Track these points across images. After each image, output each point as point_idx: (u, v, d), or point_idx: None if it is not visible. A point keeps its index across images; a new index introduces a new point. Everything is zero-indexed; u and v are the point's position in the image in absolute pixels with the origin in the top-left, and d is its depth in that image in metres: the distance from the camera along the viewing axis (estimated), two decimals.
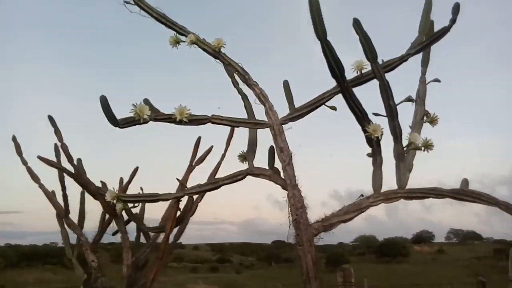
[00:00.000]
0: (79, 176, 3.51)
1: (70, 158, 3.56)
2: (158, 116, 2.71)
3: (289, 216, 2.89)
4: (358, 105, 2.36)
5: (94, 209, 3.88)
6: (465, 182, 2.75)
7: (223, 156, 3.83)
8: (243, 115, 3.23)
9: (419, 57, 3.14)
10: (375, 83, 2.75)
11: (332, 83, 2.84)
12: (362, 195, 2.90)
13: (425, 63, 3.12)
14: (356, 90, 2.77)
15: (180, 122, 2.71)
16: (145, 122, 2.52)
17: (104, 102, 2.29)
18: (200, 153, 3.83)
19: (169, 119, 2.70)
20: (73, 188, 3.82)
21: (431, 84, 3.18)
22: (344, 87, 2.18)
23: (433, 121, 3.05)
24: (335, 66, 2.11)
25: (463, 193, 2.62)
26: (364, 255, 52.41)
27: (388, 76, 2.80)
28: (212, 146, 4.05)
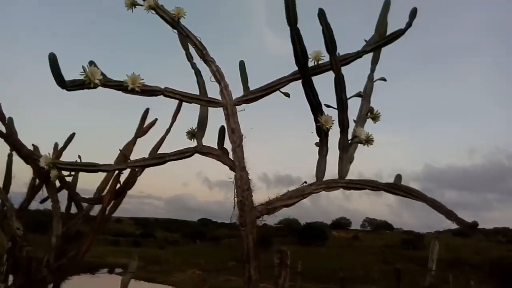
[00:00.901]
0: (11, 136, 3.22)
1: (2, 117, 3.24)
2: (108, 82, 2.56)
3: (234, 197, 2.92)
4: (315, 95, 2.43)
5: (21, 173, 3.60)
6: (398, 177, 2.96)
7: (168, 130, 3.72)
8: (193, 90, 3.17)
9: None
10: (325, 75, 2.87)
11: (283, 70, 2.91)
12: (305, 182, 3.00)
13: (374, 61, 3.24)
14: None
15: (132, 91, 2.58)
16: (95, 86, 2.37)
17: (53, 60, 2.13)
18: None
19: (119, 86, 2.56)
20: None
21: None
22: (306, 77, 2.22)
23: (375, 117, 3.22)
24: (300, 54, 2.14)
25: (397, 188, 2.82)
26: (286, 237, 54.58)
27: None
28: (156, 119, 3.92)
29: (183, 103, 3.64)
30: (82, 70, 2.30)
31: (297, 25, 2.04)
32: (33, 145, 3.39)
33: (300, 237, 50.38)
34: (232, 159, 2.98)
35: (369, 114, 3.19)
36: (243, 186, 2.90)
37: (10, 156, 3.47)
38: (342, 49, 2.92)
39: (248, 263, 2.80)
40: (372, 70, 3.25)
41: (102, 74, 2.72)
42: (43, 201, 3.47)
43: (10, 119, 3.28)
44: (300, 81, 2.55)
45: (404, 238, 52.39)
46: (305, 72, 2.22)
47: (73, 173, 3.20)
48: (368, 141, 3.12)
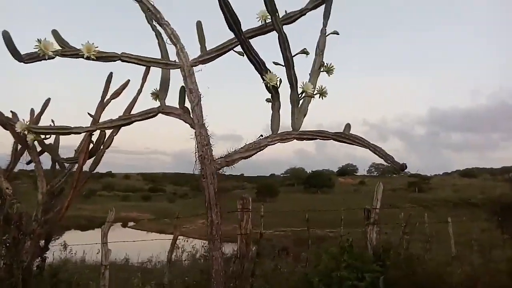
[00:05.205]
0: None
1: None
2: (65, 52, 2.74)
3: (195, 152, 3.17)
4: (256, 56, 2.58)
5: (7, 137, 3.86)
6: (348, 126, 3.18)
7: (139, 91, 3.88)
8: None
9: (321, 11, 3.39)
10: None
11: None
12: (261, 135, 3.24)
13: (326, 16, 3.32)
14: (267, 37, 3.01)
15: (88, 59, 2.77)
16: (51, 58, 2.56)
17: (7, 38, 2.31)
18: (115, 88, 3.88)
19: (76, 55, 2.75)
20: None
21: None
22: (241, 40, 2.38)
23: (329, 70, 3.36)
24: (231, 20, 2.28)
25: (344, 136, 3.05)
26: (293, 185, 55.79)
27: (292, 27, 3.05)
28: (128, 80, 4.07)
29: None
30: (36, 44, 2.47)
31: None
32: (11, 111, 3.63)
33: (307, 185, 51.53)
34: (192, 117, 3.20)
35: (322, 68, 3.35)
36: (202, 142, 3.14)
37: None
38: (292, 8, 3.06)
39: (210, 210, 3.11)
40: (324, 24, 3.34)
41: (65, 43, 2.90)
42: (28, 162, 3.77)
43: None
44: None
45: (411, 182, 53.27)
46: (239, 36, 2.38)
47: (48, 136, 3.45)
48: (322, 94, 3.31)
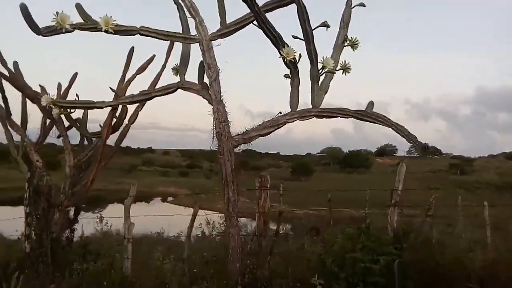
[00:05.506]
0: (15, 79, 3.56)
1: (3, 62, 3.56)
2: (83, 25, 2.76)
3: (213, 128, 3.16)
4: (272, 29, 2.49)
5: (36, 111, 3.98)
6: (371, 104, 3.04)
7: (163, 67, 3.90)
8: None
9: None
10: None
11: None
12: (280, 112, 3.17)
13: None
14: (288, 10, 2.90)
15: (106, 32, 2.78)
16: (68, 31, 2.58)
17: (25, 11, 2.34)
18: (136, 63, 3.89)
19: (94, 28, 2.76)
20: (15, 91, 3.85)
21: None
22: (256, 13, 2.29)
23: (354, 45, 3.21)
24: None
25: (365, 114, 2.92)
26: (329, 165, 55.14)
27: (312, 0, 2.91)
28: (154, 56, 4.09)
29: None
30: (54, 17, 2.49)
31: None
32: (40, 86, 3.74)
33: (343, 165, 50.74)
34: (210, 93, 3.16)
35: (346, 42, 3.19)
36: (219, 118, 3.11)
37: (24, 97, 3.84)
38: None
39: (227, 187, 3.10)
40: None
41: (88, 17, 2.92)
42: (58, 137, 3.89)
43: (15, 63, 3.60)
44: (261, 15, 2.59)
45: (452, 163, 51.23)
46: (253, 8, 2.29)
47: (73, 110, 3.53)
48: (346, 69, 3.16)
